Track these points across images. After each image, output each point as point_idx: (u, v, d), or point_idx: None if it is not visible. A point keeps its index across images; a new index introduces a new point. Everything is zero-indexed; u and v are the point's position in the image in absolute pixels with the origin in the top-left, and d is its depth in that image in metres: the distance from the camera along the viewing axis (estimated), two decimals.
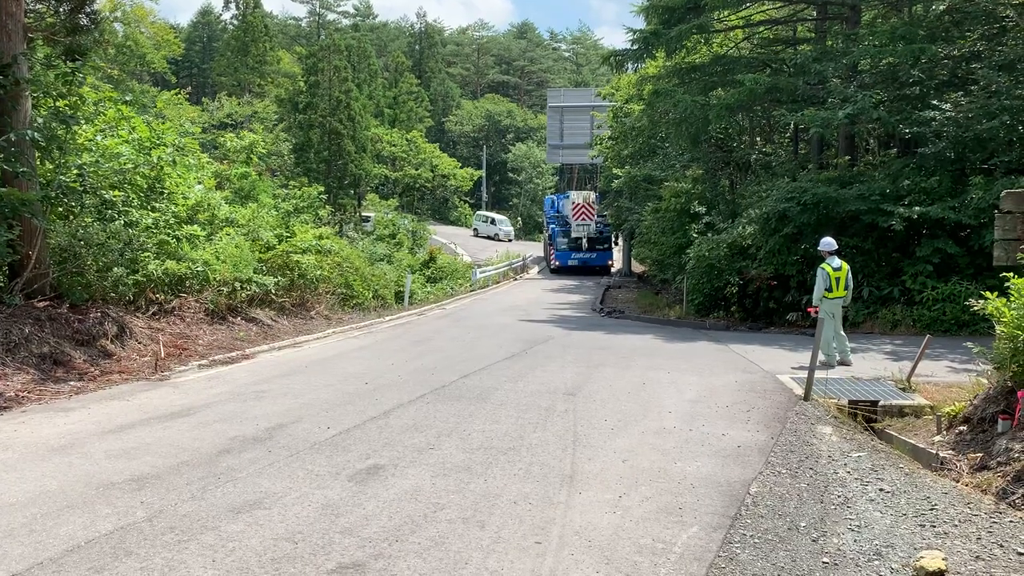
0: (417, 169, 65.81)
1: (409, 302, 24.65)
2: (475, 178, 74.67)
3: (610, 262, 42.67)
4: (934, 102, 17.12)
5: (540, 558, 4.74)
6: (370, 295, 21.90)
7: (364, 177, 48.20)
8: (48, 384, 9.57)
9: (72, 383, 9.79)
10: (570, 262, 41.27)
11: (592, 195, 42.94)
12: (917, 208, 16.07)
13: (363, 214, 48.31)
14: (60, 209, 12.17)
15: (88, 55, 12.47)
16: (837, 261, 12.20)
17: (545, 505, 5.66)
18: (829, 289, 12.03)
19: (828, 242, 12.41)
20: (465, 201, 77.79)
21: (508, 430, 7.83)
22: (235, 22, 75.84)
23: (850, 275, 12.37)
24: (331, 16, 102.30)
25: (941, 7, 18.30)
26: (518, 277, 39.06)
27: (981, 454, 6.81)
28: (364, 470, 6.41)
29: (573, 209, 40.91)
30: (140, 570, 4.48)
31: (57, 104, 11.88)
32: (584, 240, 41.13)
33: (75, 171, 12.11)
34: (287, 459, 6.69)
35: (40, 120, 11.40)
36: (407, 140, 65.62)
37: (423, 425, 7.98)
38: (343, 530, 5.11)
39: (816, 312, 11.80)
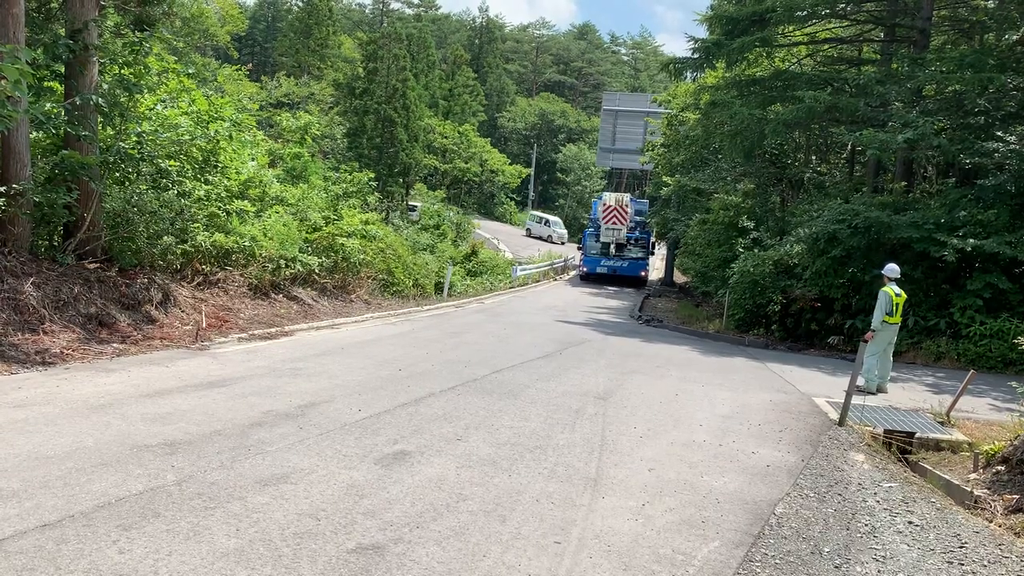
0: (467, 162, 65.98)
1: (448, 294, 24.77)
2: (523, 176, 74.58)
3: (644, 272, 37.71)
4: (998, 133, 16.71)
5: (558, 558, 4.74)
6: (410, 283, 22.06)
7: (414, 166, 48.43)
8: (92, 344, 9.80)
9: (115, 345, 10.02)
10: (599, 269, 37.11)
11: (627, 197, 38.76)
12: (971, 240, 15.69)
13: (410, 203, 48.58)
14: (117, 174, 12.45)
15: (156, 26, 12.74)
16: (896, 287, 12.04)
17: (567, 506, 5.66)
18: (890, 314, 11.86)
19: (893, 268, 12.34)
20: (511, 198, 77.85)
21: (536, 428, 7.83)
22: (300, 3, 76.85)
23: None
24: (395, 5, 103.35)
25: (1014, 37, 17.81)
26: (558, 278, 38.83)
27: (1017, 496, 6.64)
28: (391, 455, 6.47)
29: (604, 211, 36.70)
30: (166, 532, 4.57)
31: (122, 72, 12.14)
32: (613, 246, 36.92)
33: (134, 138, 12.39)
34: (317, 437, 6.78)
35: (105, 86, 11.66)
36: (459, 133, 65.85)
37: (452, 416, 8.03)
38: (366, 512, 5.16)
39: (871, 338, 11.56)
